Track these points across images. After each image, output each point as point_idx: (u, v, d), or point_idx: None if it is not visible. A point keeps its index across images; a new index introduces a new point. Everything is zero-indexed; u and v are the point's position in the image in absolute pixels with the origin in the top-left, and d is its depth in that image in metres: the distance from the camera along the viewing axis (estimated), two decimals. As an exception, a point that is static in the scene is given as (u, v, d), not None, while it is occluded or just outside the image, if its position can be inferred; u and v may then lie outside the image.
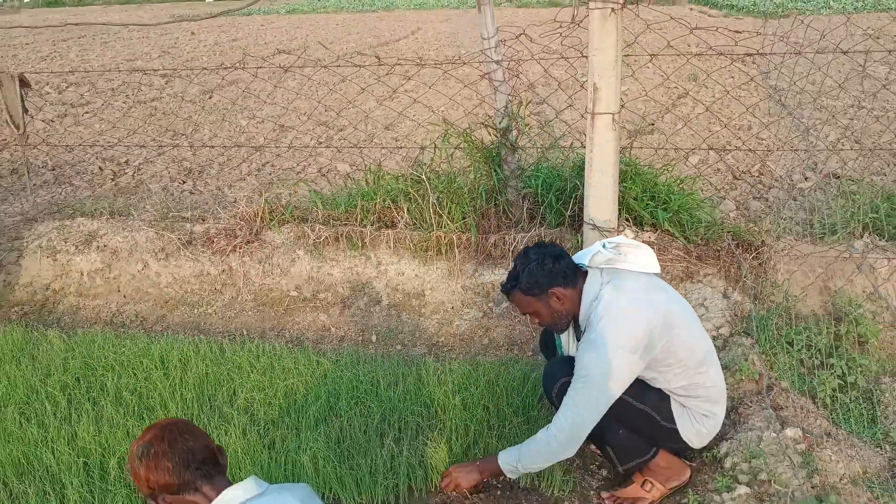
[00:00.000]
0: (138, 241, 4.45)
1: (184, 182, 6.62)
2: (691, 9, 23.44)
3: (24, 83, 4.23)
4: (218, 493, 1.76)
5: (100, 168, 7.16)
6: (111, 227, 4.59)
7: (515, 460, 2.48)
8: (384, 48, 17.08)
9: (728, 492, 2.46)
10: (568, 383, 2.45)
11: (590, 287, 2.46)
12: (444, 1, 37.60)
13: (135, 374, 3.33)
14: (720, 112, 7.34)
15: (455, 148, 4.03)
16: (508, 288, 2.53)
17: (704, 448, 2.70)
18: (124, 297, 4.34)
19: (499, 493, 2.70)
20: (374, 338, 3.87)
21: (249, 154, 7.38)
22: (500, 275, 3.95)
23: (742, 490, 2.44)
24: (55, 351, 3.59)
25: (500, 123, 3.84)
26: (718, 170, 6.00)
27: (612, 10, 3.23)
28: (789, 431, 2.63)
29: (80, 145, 7.22)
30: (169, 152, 7.58)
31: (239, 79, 12.62)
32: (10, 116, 4.24)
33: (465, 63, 4.34)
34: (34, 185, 6.52)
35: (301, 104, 8.99)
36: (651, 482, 2.63)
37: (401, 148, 4.88)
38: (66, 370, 3.39)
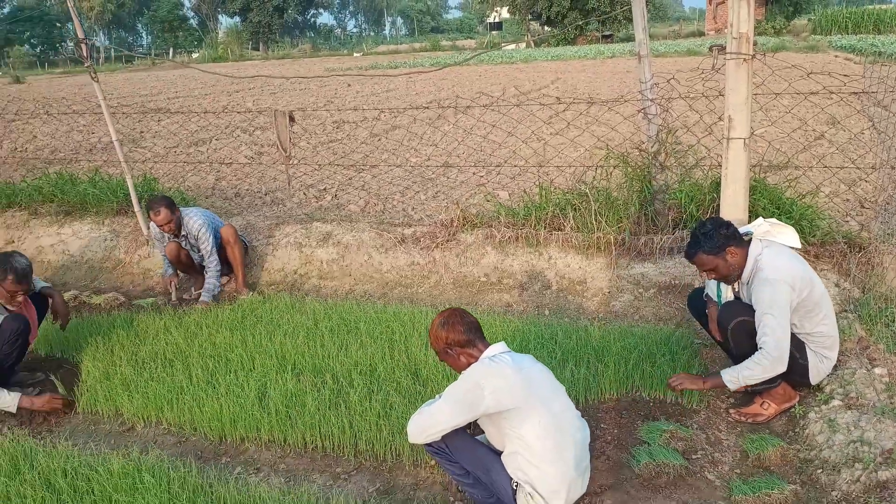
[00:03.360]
0: (364, 240, 5.83)
1: (375, 205, 8.04)
2: (836, 56, 23.43)
3: (291, 119, 5.75)
4: (486, 347, 2.92)
5: (304, 194, 8.73)
6: (342, 229, 6.02)
7: (737, 374, 3.39)
8: (526, 97, 18.44)
9: (826, 404, 3.37)
10: (743, 321, 3.41)
11: (754, 249, 3.46)
12: (581, 52, 38.88)
13: (379, 323, 4.61)
14: (853, 152, 8.02)
15: (614, 168, 5.13)
16: (692, 253, 3.50)
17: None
18: (354, 279, 5.70)
19: (651, 404, 3.71)
20: (546, 312, 4.99)
21: (424, 184, 8.79)
22: (648, 268, 4.98)
23: (836, 402, 3.35)
24: (317, 309, 4.96)
25: (651, 148, 4.92)
26: (847, 200, 6.72)
27: (745, 59, 4.26)
28: (877, 370, 3.51)
29: (328, 164, 8.86)
30: (355, 182, 9.11)
31: (400, 125, 14.34)
32: (281, 143, 5.77)
33: (626, 101, 5.45)
34: (255, 203, 8.20)
35: (457, 145, 10.40)
36: (768, 402, 3.56)
37: (569, 166, 6.03)
38: (329, 320, 4.74)
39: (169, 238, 5.41)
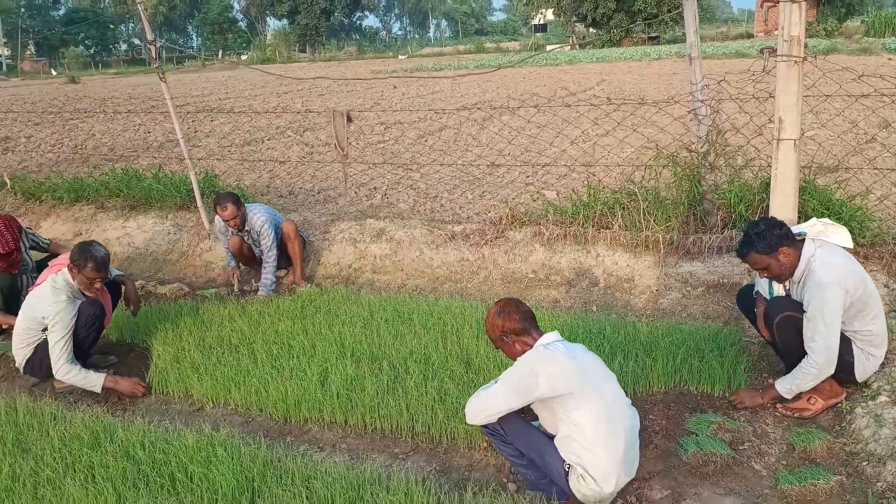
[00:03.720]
0: (415, 236, 6.02)
1: (424, 203, 8.21)
2: (889, 59, 22.95)
3: (349, 119, 5.97)
4: (540, 336, 3.07)
5: (355, 192, 8.95)
6: (395, 226, 6.22)
7: (790, 384, 3.52)
8: (572, 98, 18.46)
9: (872, 399, 3.44)
10: (789, 316, 3.50)
11: (807, 249, 3.52)
12: (627, 54, 38.60)
13: (431, 315, 4.79)
14: (905, 153, 7.94)
15: (663, 168, 5.22)
16: (745, 252, 3.59)
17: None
18: (406, 274, 5.89)
19: (698, 397, 3.81)
20: (594, 308, 5.11)
21: (471, 184, 8.95)
22: (697, 267, 5.06)
23: (883, 398, 3.41)
24: (372, 301, 5.16)
25: (701, 148, 5.00)
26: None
27: (795, 61, 4.32)
28: (927, 368, 3.54)
29: (382, 163, 9.11)
30: (404, 182, 9.31)
31: (447, 126, 14.51)
32: (338, 142, 5.99)
33: (676, 102, 5.54)
34: (309, 201, 8.45)
35: (504, 146, 10.54)
36: (815, 398, 3.62)
37: (618, 166, 6.14)
38: (384, 312, 4.92)
39: (233, 232, 5.67)
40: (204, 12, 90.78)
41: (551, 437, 3.02)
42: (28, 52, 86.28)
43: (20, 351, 4.26)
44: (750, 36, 49.46)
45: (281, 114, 15.49)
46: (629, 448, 2.94)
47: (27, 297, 4.33)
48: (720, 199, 5.10)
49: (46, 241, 5.51)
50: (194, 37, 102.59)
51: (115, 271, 4.69)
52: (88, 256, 4.09)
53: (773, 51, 4.52)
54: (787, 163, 4.51)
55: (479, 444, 3.46)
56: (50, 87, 40.13)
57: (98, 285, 4.23)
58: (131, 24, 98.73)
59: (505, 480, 3.26)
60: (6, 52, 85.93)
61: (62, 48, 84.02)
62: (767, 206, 4.75)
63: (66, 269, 4.17)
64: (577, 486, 2.89)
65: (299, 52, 75.47)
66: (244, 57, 72.20)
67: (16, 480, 3.17)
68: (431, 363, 4.12)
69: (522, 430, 3.04)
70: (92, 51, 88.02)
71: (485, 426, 3.06)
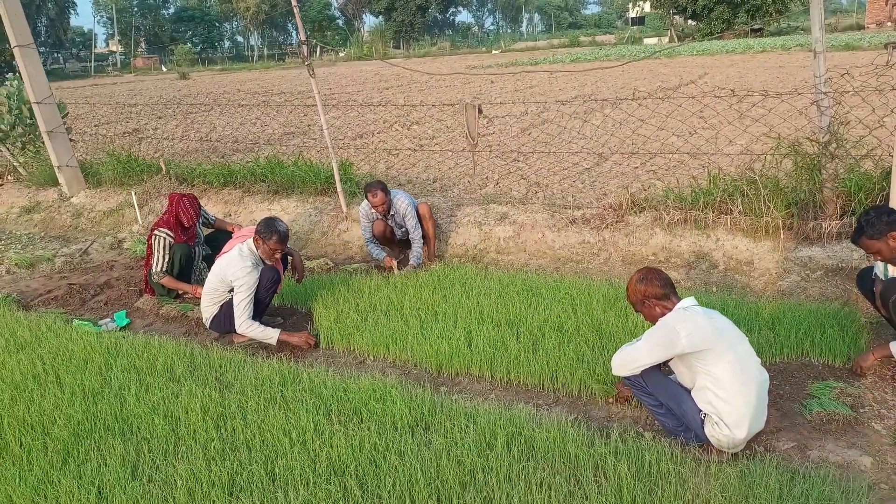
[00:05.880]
0: (537, 220, 6.46)
1: (536, 191, 8.63)
2: None
3: (479, 111, 6.46)
4: (678, 300, 3.46)
5: (468, 180, 9.46)
6: (517, 210, 6.67)
7: None
8: (676, 91, 18.40)
9: None
10: None
11: None
12: (728, 47, 37.66)
13: (559, 290, 5.22)
14: None
15: (784, 156, 5.46)
16: (856, 237, 3.92)
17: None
18: (529, 255, 6.34)
19: (820, 367, 4.10)
20: (714, 289, 5.41)
21: (580, 174, 9.30)
22: (816, 252, 5.29)
23: None
24: (501, 278, 5.64)
25: (822, 138, 5.22)
26: None
27: (921, 55, 4.52)
28: None
29: (501, 151, 9.62)
30: (514, 172, 9.75)
31: (549, 119, 14.85)
32: (469, 132, 6.50)
33: (800, 93, 5.76)
34: (426, 189, 9.00)
35: (606, 138, 10.80)
36: (935, 371, 3.87)
37: (739, 155, 6.39)
38: (514, 286, 5.39)
39: (377, 217, 6.26)
40: (304, 10, 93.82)
41: (687, 391, 3.41)
42: (139, 49, 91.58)
43: (208, 308, 4.97)
44: (861, 28, 47.26)
45: (433, 105, 16.23)
46: (760, 401, 3.30)
47: (216, 262, 5.03)
48: (840, 187, 5.31)
49: (213, 219, 6.27)
50: (294, 34, 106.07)
51: None
52: (273, 230, 4.74)
53: (897, 45, 4.73)
54: (911, 152, 4.70)
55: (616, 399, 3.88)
56: (162, 82, 42.74)
57: (278, 255, 4.87)
58: (234, 22, 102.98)
59: (641, 430, 3.66)
60: (120, 48, 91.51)
61: (171, 45, 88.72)
62: (888, 194, 4.96)
63: (250, 240, 4.84)
64: (713, 432, 3.27)
65: (394, 48, 77.01)
66: (342, 53, 74.36)
67: (226, 408, 3.81)
68: (565, 330, 4.56)
69: (662, 381, 3.45)
70: (199, 48, 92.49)
71: (628, 378, 3.48)
